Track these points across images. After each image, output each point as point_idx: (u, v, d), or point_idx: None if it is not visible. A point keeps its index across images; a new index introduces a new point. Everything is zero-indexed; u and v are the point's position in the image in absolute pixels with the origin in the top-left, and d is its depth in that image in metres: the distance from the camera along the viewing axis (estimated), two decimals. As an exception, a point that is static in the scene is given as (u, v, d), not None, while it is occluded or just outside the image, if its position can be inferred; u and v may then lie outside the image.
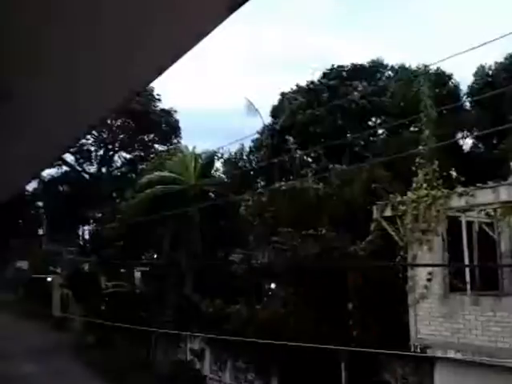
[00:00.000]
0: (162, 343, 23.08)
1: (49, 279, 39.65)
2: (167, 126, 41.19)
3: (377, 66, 30.48)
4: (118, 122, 40.68)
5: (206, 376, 19.95)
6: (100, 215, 40.14)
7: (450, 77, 24.24)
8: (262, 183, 27.44)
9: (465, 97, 23.40)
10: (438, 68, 22.42)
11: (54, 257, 40.98)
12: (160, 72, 3.01)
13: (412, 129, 20.31)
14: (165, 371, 21.08)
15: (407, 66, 28.01)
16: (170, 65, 2.87)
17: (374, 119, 28.68)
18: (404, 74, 24.78)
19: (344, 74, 30.31)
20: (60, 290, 36.00)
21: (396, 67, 29.24)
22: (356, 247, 15.11)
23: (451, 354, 11.63)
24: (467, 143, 23.60)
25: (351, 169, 18.14)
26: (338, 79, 29.72)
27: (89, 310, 29.05)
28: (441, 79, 22.94)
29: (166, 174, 25.55)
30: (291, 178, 19.52)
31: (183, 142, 37.85)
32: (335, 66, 30.85)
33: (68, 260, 37.02)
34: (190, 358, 20.95)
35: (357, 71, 30.29)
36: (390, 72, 29.98)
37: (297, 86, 31.56)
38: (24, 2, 2.48)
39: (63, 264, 37.80)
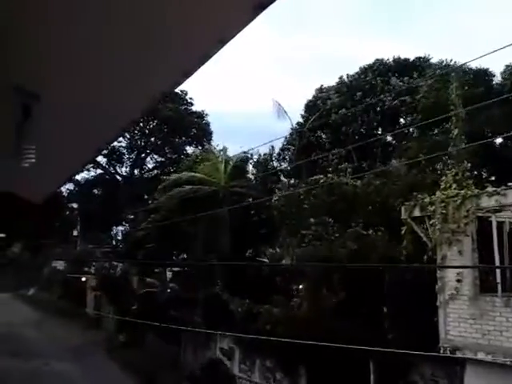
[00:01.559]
0: (192, 342, 23.33)
1: (83, 279, 40.50)
2: (198, 128, 41.60)
3: (418, 63, 30.03)
4: (151, 125, 41.30)
5: (235, 375, 20.09)
6: (132, 216, 40.82)
7: (489, 75, 23.79)
8: (293, 182, 27.39)
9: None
10: (475, 67, 22.06)
11: (89, 257, 41.83)
12: (187, 75, 3.12)
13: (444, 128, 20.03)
14: (194, 370, 21.32)
15: (445, 63, 27.67)
16: (197, 68, 2.98)
17: (408, 118, 28.29)
18: (442, 71, 24.40)
19: (383, 69, 29.96)
20: (94, 289, 36.71)
21: (436, 65, 28.82)
22: (394, 250, 14.97)
23: (481, 356, 11.47)
24: (499, 142, 23.17)
25: (387, 168, 17.94)
26: (376, 75, 29.41)
27: (121, 310, 29.55)
28: (478, 77, 22.57)
29: (194, 174, 25.83)
30: (326, 173, 19.34)
31: (214, 144, 38.11)
32: (373, 62, 30.56)
33: (101, 261, 37.75)
34: (220, 357, 21.13)
35: (397, 67, 29.94)
36: (429, 70, 29.45)
37: (329, 85, 31.44)
38: (54, 10, 2.64)
39: (97, 264, 38.55)
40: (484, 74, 23.54)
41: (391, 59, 30.61)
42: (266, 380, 18.53)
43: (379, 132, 26.65)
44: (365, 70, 30.23)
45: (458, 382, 12.19)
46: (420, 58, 30.28)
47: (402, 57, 30.63)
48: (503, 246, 12.37)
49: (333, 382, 15.26)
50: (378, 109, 27.27)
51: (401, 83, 27.99)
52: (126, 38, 2.82)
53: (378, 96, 27.20)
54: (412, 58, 30.48)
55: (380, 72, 29.67)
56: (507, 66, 23.63)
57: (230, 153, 29.04)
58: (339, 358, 13.70)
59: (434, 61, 29.46)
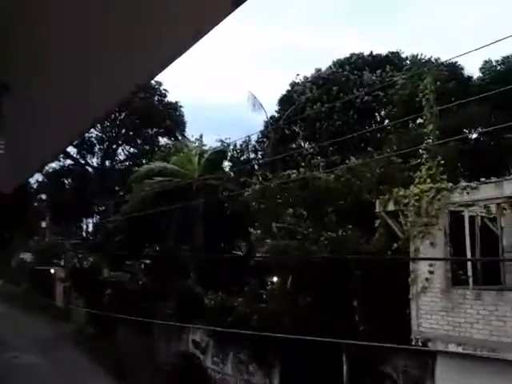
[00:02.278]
0: (164, 335, 23.20)
1: (52, 271, 39.86)
2: (172, 119, 41.18)
3: (392, 58, 30.29)
4: (122, 116, 40.70)
5: (208, 367, 20.06)
6: (103, 208, 40.28)
7: (461, 70, 24.16)
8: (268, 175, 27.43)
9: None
10: (450, 62, 22.35)
11: (57, 249, 41.17)
12: (163, 66, 3.05)
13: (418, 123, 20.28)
14: (167, 362, 21.20)
15: (420, 58, 27.99)
16: (174, 59, 2.92)
17: (383, 112, 28.54)
18: (415, 66, 24.70)
19: (358, 63, 30.14)
20: (63, 282, 36.17)
21: (409, 59, 29.15)
22: (366, 244, 15.10)
23: (452, 348, 11.68)
24: (474, 138, 23.58)
25: (360, 163, 18.01)
26: (352, 69, 29.58)
27: (91, 302, 29.20)
28: (452, 73, 22.88)
29: (166, 165, 25.57)
30: (299, 168, 19.41)
31: (189, 135, 37.81)
32: (349, 55, 30.71)
33: (71, 252, 37.20)
34: (192, 350, 21.06)
35: (371, 61, 30.15)
36: (405, 63, 29.70)
37: (305, 78, 31.44)
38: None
39: (66, 256, 37.98)
40: (457, 68, 23.89)
41: (366, 53, 30.85)
42: (239, 372, 18.55)
43: (354, 127, 26.79)
44: (340, 64, 30.40)
45: (430, 373, 12.39)
46: (393, 52, 30.60)
47: (377, 51, 30.98)
48: (475, 239, 12.61)
49: (306, 374, 15.37)
50: (354, 103, 27.44)
51: (374, 77, 28.23)
52: (102, 29, 2.73)
53: (352, 90, 27.38)
54: (385, 52, 30.82)
55: (356, 66, 29.89)
56: (485, 62, 24.04)
57: (207, 144, 28.92)
58: (312, 350, 13.78)
59: (407, 55, 29.89)
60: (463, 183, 12.48)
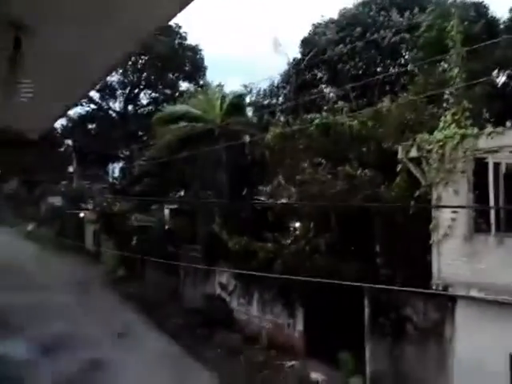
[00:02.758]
0: (191, 277, 23.96)
1: (81, 215, 40.92)
2: (192, 63, 40.65)
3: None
4: (143, 60, 40.32)
5: (234, 309, 20.79)
6: (128, 153, 40.72)
7: (487, 11, 23.09)
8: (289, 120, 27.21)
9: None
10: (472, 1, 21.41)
11: (85, 193, 42.09)
12: (182, 6, 3.05)
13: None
14: (193, 303, 22.02)
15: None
16: None
17: (407, 55, 27.64)
18: (440, 6, 23.64)
19: (385, 3, 29.00)
20: (92, 225, 37.18)
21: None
22: (384, 189, 15.09)
23: (474, 293, 11.85)
24: (502, 82, 22.79)
25: (384, 107, 17.65)
26: (378, 9, 28.47)
27: (120, 245, 30.11)
28: (479, 13, 21.94)
29: (189, 108, 25.47)
30: (321, 112, 19.14)
31: (210, 80, 37.38)
32: None
33: (98, 196, 38.01)
34: (219, 292, 21.78)
35: (397, 2, 28.95)
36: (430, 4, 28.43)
37: (330, 19, 30.48)
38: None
39: (94, 200, 38.83)
40: (484, 9, 22.87)
41: None
42: (264, 313, 19.20)
43: (377, 69, 26.11)
44: (365, 4, 29.26)
45: (450, 317, 12.66)
46: None
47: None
48: (498, 187, 12.49)
49: (328, 315, 15.87)
50: (379, 45, 26.59)
51: (401, 19, 27.19)
52: None
53: (378, 31, 26.50)
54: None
55: (382, 6, 28.75)
56: None
57: (228, 88, 28.64)
58: (334, 293, 14.13)
59: None
60: (489, 129, 12.24)
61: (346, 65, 27.02)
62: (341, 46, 26.53)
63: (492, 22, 22.58)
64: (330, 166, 17.06)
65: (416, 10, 26.92)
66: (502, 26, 22.32)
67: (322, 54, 27.09)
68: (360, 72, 26.35)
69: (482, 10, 22.74)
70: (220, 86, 27.73)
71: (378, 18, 27.84)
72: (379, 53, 27.01)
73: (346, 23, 28.48)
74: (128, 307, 24.21)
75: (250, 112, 29.42)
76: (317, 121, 18.35)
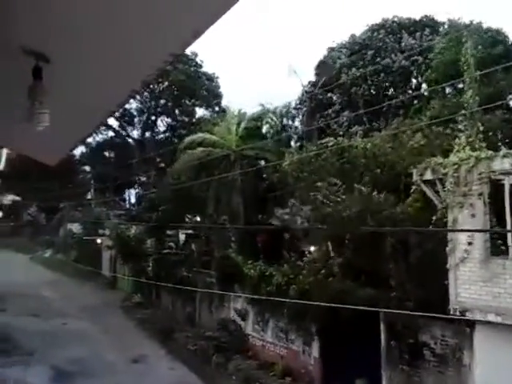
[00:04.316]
0: (206, 303, 23.85)
1: (98, 241, 41.18)
2: (208, 90, 41.28)
3: (427, 22, 29.31)
4: (161, 88, 41.05)
5: (249, 334, 20.59)
6: (145, 179, 41.14)
7: (504, 36, 23.11)
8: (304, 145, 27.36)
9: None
10: (490, 27, 21.45)
11: (102, 220, 42.43)
12: (197, 34, 3.10)
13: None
14: (208, 329, 21.84)
15: (458, 21, 26.93)
16: (208, 26, 2.95)
17: (419, 77, 27.81)
18: (454, 30, 23.81)
19: (393, 27, 29.37)
20: (109, 251, 37.37)
21: (447, 23, 28.14)
22: (397, 210, 15.00)
23: (491, 318, 11.61)
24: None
25: (398, 131, 17.69)
26: (387, 33, 28.86)
27: (136, 271, 30.20)
28: (494, 38, 21.96)
29: (206, 136, 25.81)
30: (336, 136, 19.28)
31: (225, 106, 37.81)
32: (385, 20, 29.91)
33: (116, 223, 38.28)
34: (234, 318, 21.61)
35: (407, 26, 29.31)
36: (442, 28, 28.68)
37: (341, 43, 30.92)
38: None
39: (111, 226, 39.10)
40: (500, 35, 22.89)
41: (403, 17, 29.97)
42: (279, 339, 18.97)
43: (390, 92, 26.31)
44: (375, 29, 29.65)
45: (468, 342, 12.38)
46: (427, 16, 29.55)
47: (411, 15, 30.02)
48: (515, 209, 12.33)
49: (344, 342, 15.61)
50: (390, 69, 26.83)
51: (413, 41, 27.45)
52: None
53: (389, 55, 26.76)
54: (419, 17, 29.81)
55: (391, 30, 29.10)
56: None
57: (246, 112, 28.81)
58: (350, 319, 13.93)
59: (443, 19, 28.84)
60: (504, 150, 12.15)
61: (360, 88, 27.24)
62: (353, 70, 26.78)
63: (509, 48, 22.58)
64: (345, 189, 17.05)
65: (427, 31, 27.19)
66: None
67: (335, 79, 27.38)
68: (373, 95, 26.52)
69: (499, 36, 22.75)
70: (236, 111, 28.00)
71: (389, 41, 28.14)
72: (391, 76, 27.21)
73: (358, 48, 28.82)
74: (143, 333, 24.14)
75: (267, 134, 29.61)
76: (331, 144, 18.45)
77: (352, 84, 27.52)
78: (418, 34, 27.69)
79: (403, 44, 27.68)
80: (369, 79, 27.10)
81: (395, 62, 26.37)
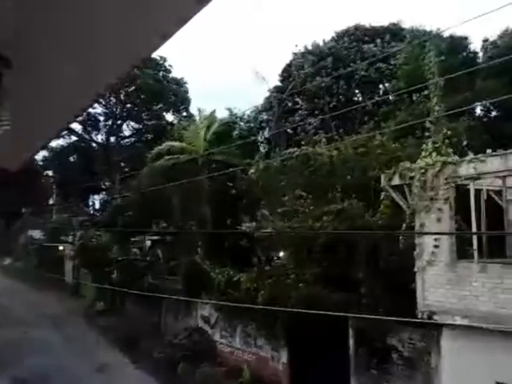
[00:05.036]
0: (172, 310, 23.51)
1: (61, 248, 40.25)
2: (177, 95, 40.99)
3: (393, 28, 29.86)
4: (127, 92, 40.53)
5: (217, 341, 20.37)
6: (109, 184, 40.46)
7: (466, 44, 23.63)
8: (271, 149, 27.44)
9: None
10: (453, 34, 21.94)
11: (65, 226, 41.51)
12: (165, 38, 3.02)
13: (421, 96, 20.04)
14: (175, 337, 21.51)
15: (424, 29, 27.53)
16: (175, 31, 2.88)
17: (386, 84, 28.29)
18: (417, 38, 24.29)
19: (356, 34, 29.83)
20: (72, 258, 36.56)
21: (413, 31, 28.71)
22: (368, 218, 15.11)
23: (458, 321, 11.77)
24: (480, 112, 23.28)
25: (364, 137, 17.89)
26: (351, 40, 29.28)
27: (100, 278, 29.55)
28: (457, 45, 22.45)
29: (174, 143, 25.60)
30: (301, 144, 19.38)
31: (193, 110, 37.70)
32: (350, 27, 30.36)
33: (78, 229, 37.49)
34: (201, 325, 21.36)
35: (372, 33, 29.79)
36: (407, 35, 29.21)
37: (304, 50, 31.16)
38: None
39: (74, 233, 38.29)
40: (462, 42, 23.45)
41: (366, 24, 30.49)
42: (247, 345, 18.83)
43: (355, 100, 26.70)
44: (339, 37, 30.09)
45: (436, 345, 12.52)
46: (394, 24, 30.14)
47: (376, 22, 30.57)
48: (480, 213, 12.58)
49: (313, 346, 15.59)
50: (354, 76, 27.22)
51: (374, 48, 27.94)
52: (98, 1, 2.71)
53: (353, 62, 27.17)
54: (386, 23, 30.39)
55: (354, 38, 29.57)
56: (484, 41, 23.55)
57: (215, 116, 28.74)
58: (318, 323, 13.92)
59: (409, 26, 29.47)
60: (470, 156, 12.39)
61: (323, 96, 27.56)
62: (317, 78, 27.09)
63: (470, 55, 23.16)
64: (313, 198, 17.10)
65: (393, 38, 27.70)
66: (480, 59, 22.88)
67: (300, 85, 27.63)
68: (340, 102, 26.84)
69: (461, 43, 23.29)
70: (203, 115, 27.83)
71: (352, 49, 28.59)
72: (355, 83, 27.60)
73: (321, 56, 29.16)
74: (107, 341, 23.60)
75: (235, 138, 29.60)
76: (297, 153, 18.54)
77: (316, 92, 27.80)
78: (382, 41, 28.17)
79: (366, 51, 28.10)
80: (334, 87, 27.44)
81: (357, 70, 26.79)
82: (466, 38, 23.43)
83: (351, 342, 14.63)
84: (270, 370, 17.67)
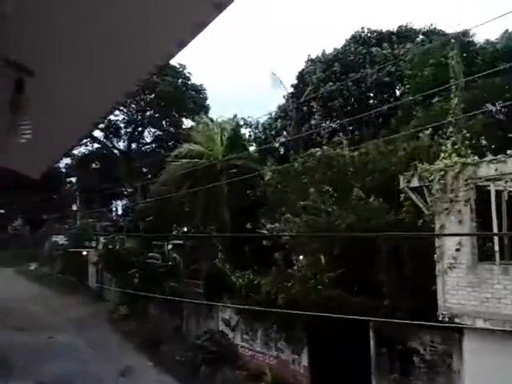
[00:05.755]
0: (194, 313, 23.67)
1: (84, 253, 40.76)
2: (196, 102, 41.35)
3: (401, 31, 29.79)
4: (147, 99, 41.01)
5: (238, 345, 20.44)
6: (131, 190, 40.92)
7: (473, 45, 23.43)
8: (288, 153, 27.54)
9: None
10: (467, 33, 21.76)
11: (89, 231, 42.05)
12: (182, 45, 3.09)
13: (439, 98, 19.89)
14: (196, 340, 21.64)
15: (437, 30, 27.43)
16: (193, 37, 2.94)
17: (401, 86, 28.21)
18: (433, 39, 24.20)
19: (370, 39, 29.82)
20: (95, 263, 36.99)
21: (425, 32, 28.62)
22: (389, 219, 15.03)
23: (479, 323, 11.64)
24: (500, 111, 22.96)
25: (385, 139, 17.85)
26: (363, 46, 29.28)
27: (123, 282, 29.86)
28: (471, 46, 22.29)
29: (192, 147, 25.74)
30: (318, 147, 19.41)
31: (211, 116, 37.95)
32: (361, 31, 30.36)
33: (102, 234, 37.94)
34: (222, 328, 21.46)
35: (384, 37, 29.73)
36: (420, 37, 29.12)
37: (316, 57, 31.31)
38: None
39: (98, 238, 38.74)
40: (480, 43, 23.27)
41: (374, 28, 30.54)
42: (268, 349, 18.86)
43: (368, 103, 26.73)
44: (350, 40, 30.14)
45: (457, 348, 12.41)
46: (403, 26, 30.05)
47: (386, 25, 30.69)
48: (501, 214, 12.45)
49: (333, 349, 15.57)
50: (365, 80, 27.24)
51: (384, 52, 27.92)
52: (119, 8, 2.79)
53: (363, 66, 27.26)
54: (395, 27, 30.37)
55: (364, 41, 29.57)
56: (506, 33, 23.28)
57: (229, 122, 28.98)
58: (339, 326, 13.90)
59: (418, 27, 29.44)
60: (489, 157, 12.27)
61: (336, 101, 27.67)
62: (329, 83, 27.22)
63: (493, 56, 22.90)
64: (336, 198, 17.08)
65: (394, 39, 27.66)
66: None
67: (314, 91, 27.80)
68: (353, 106, 26.92)
69: (473, 44, 23.14)
70: (219, 120, 28.03)
71: (361, 53, 28.62)
72: (368, 86, 27.59)
73: (331, 61, 29.31)
74: (130, 345, 23.86)
75: (251, 146, 29.82)
76: (318, 154, 18.50)
77: (329, 97, 27.92)
78: (391, 43, 28.22)
79: (376, 54, 28.09)
80: (345, 92, 27.52)
81: (367, 75, 26.85)
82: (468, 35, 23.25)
83: (372, 344, 14.58)
84: (291, 373, 17.68)
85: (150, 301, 26.27)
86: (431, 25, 28.46)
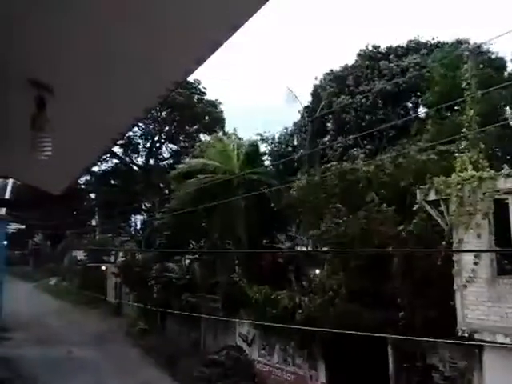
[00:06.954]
0: (212, 328, 23.64)
1: (103, 268, 41.07)
2: (211, 117, 41.62)
3: (412, 46, 29.85)
4: (163, 114, 41.40)
5: (255, 360, 20.35)
6: (150, 205, 41.18)
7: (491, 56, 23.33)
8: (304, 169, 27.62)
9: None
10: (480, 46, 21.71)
11: (108, 246, 42.37)
12: (199, 62, 3.15)
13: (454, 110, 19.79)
14: (214, 355, 21.59)
15: (445, 42, 27.44)
16: (210, 55, 3.00)
17: (413, 99, 28.30)
18: (442, 51, 24.20)
19: (379, 54, 29.92)
20: (114, 278, 37.23)
21: (433, 45, 28.69)
22: (402, 231, 14.92)
23: (500, 339, 11.46)
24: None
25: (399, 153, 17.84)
26: (373, 61, 29.41)
27: (141, 297, 30.00)
28: (487, 58, 22.19)
29: (205, 161, 25.77)
30: (333, 161, 19.47)
31: (226, 131, 38.15)
32: (370, 47, 30.50)
33: (120, 249, 38.22)
34: (239, 343, 21.39)
35: (392, 52, 29.82)
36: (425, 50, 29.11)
37: (328, 72, 31.55)
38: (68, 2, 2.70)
39: (116, 253, 39.03)
40: (494, 57, 23.16)
41: (383, 44, 30.71)
42: (286, 364, 18.74)
43: (379, 116, 26.86)
44: (361, 56, 30.31)
45: (478, 364, 12.20)
46: (412, 40, 30.06)
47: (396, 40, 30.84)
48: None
49: (352, 365, 15.40)
50: (375, 93, 27.35)
51: (392, 65, 28.04)
52: (138, 27, 2.85)
53: (372, 80, 27.39)
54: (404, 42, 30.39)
55: (372, 57, 29.70)
56: None
57: (243, 137, 29.18)
58: (357, 343, 13.77)
59: (426, 40, 29.45)
60: (507, 170, 12.16)
61: (348, 115, 27.84)
62: (342, 97, 27.39)
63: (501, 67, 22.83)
64: (349, 210, 17.04)
65: (414, 54, 27.71)
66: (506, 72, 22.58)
67: (328, 106, 28.02)
68: (365, 120, 27.04)
69: (489, 56, 23.05)
70: (234, 135, 28.18)
71: (368, 67, 28.79)
72: (377, 100, 27.69)
73: (342, 77, 29.50)
74: (148, 360, 23.90)
75: (266, 161, 29.96)
76: (334, 167, 18.55)
77: (342, 111, 28.08)
78: (398, 57, 28.41)
79: (383, 69, 28.21)
80: (357, 106, 27.63)
81: (375, 88, 26.98)
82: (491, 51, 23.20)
83: (390, 360, 14.41)
84: (309, 390, 17.53)
85: (169, 315, 26.34)
86: (435, 39, 28.57)
